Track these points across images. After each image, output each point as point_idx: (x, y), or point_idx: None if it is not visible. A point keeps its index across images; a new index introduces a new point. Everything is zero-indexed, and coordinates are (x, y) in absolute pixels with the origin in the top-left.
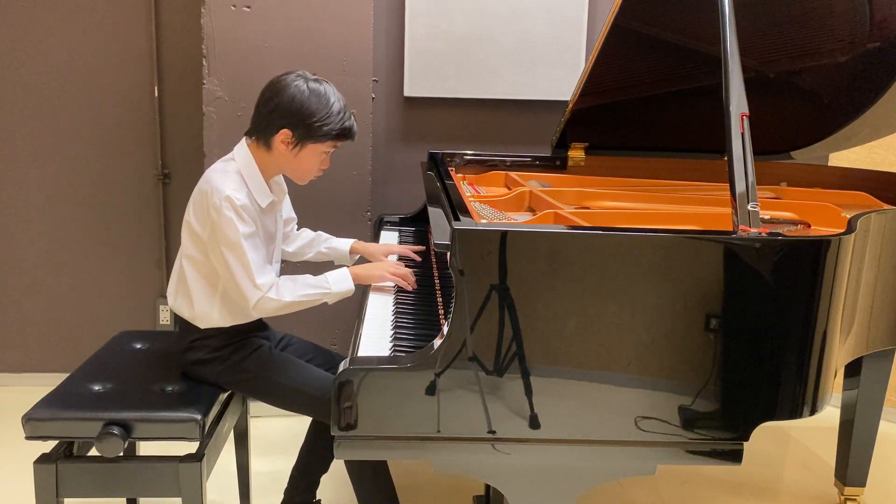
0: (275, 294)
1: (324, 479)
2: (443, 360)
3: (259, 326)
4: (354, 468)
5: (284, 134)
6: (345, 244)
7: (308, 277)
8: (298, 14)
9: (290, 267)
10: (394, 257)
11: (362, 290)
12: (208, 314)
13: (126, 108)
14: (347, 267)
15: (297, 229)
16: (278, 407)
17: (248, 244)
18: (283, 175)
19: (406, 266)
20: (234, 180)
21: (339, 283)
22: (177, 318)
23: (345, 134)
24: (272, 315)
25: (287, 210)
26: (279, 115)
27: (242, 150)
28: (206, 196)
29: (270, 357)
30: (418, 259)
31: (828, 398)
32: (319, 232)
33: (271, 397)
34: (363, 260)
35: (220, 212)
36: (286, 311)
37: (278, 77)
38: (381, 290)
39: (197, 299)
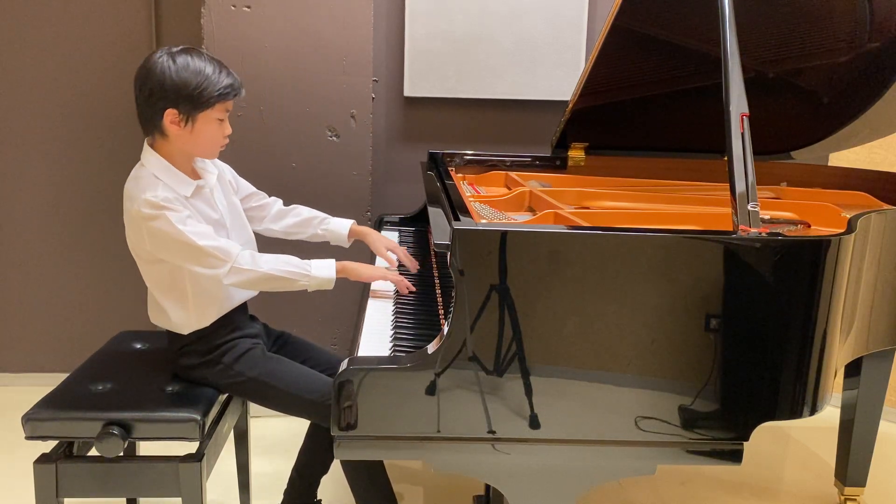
0: (249, 263)
1: (324, 479)
2: (443, 360)
3: (245, 324)
4: (351, 469)
5: (171, 114)
6: (343, 226)
7: (292, 258)
8: (298, 14)
9: (281, 247)
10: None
11: (362, 291)
12: (185, 319)
13: (126, 108)
14: (336, 261)
15: (286, 205)
16: (273, 409)
17: (187, 227)
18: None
19: (402, 269)
20: (146, 183)
21: (321, 269)
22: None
23: (229, 91)
24: (248, 287)
25: (241, 187)
26: (157, 98)
27: (146, 153)
28: (129, 210)
29: (263, 359)
30: (414, 270)
31: (828, 398)
32: (315, 212)
33: (265, 400)
34: (359, 245)
35: (144, 216)
36: (263, 286)
37: (143, 62)
38: (380, 295)
39: (171, 310)
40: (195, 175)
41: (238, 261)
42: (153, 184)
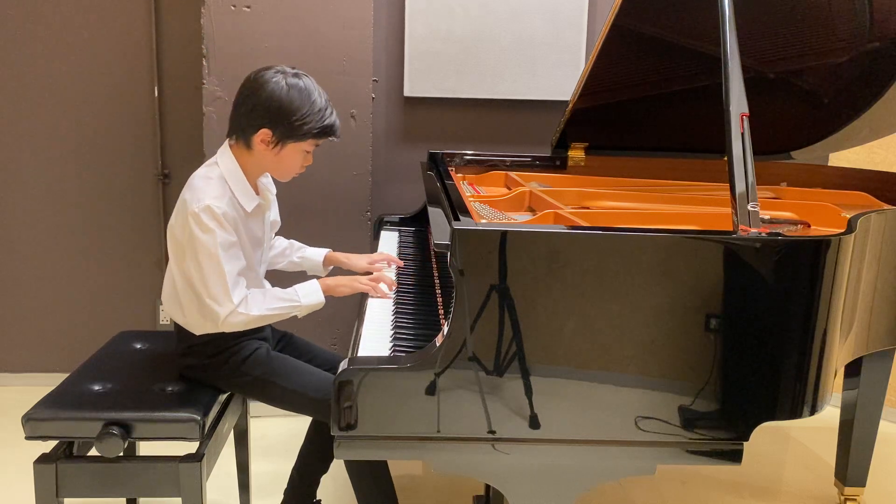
0: (244, 308)
1: (324, 479)
2: (443, 360)
3: (255, 329)
4: (354, 468)
5: (264, 133)
6: (318, 254)
7: (278, 290)
8: (298, 14)
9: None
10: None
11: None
12: (199, 322)
13: (126, 108)
14: (318, 279)
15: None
16: (277, 407)
17: (226, 255)
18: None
19: (402, 270)
20: (215, 187)
21: (308, 295)
22: (174, 322)
23: (326, 132)
24: (239, 329)
25: (274, 213)
26: (258, 115)
27: (225, 153)
28: (186, 204)
29: (268, 359)
30: (400, 264)
31: (828, 398)
32: (291, 241)
33: (270, 399)
34: (337, 270)
35: (198, 220)
36: (254, 326)
37: (256, 73)
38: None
39: (188, 307)
40: (257, 190)
41: (239, 307)
42: (222, 192)
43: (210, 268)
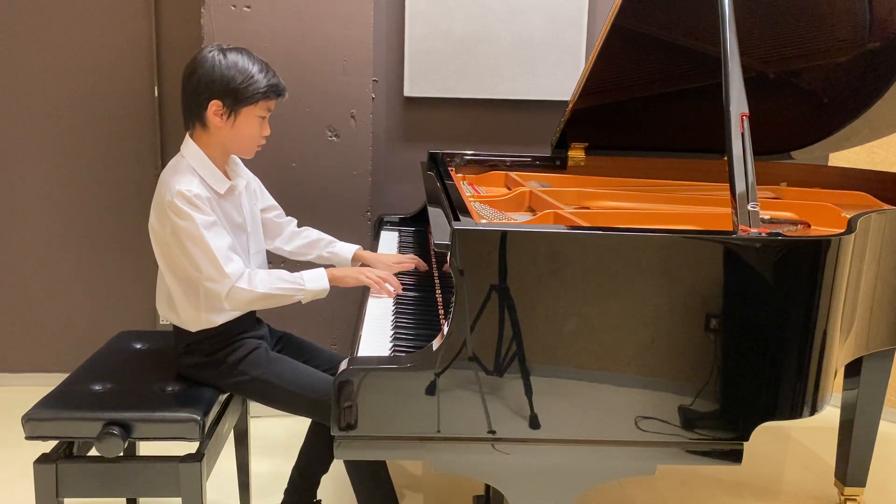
0: (246, 284)
1: (324, 479)
2: (443, 360)
3: (253, 326)
4: (354, 468)
5: (215, 105)
6: (348, 251)
7: (284, 273)
8: (298, 14)
9: (288, 265)
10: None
11: (362, 290)
12: (195, 317)
13: (126, 108)
14: (326, 268)
15: (298, 226)
16: (276, 408)
17: (210, 234)
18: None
19: (406, 275)
20: (183, 174)
21: (313, 281)
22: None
23: (274, 90)
24: (246, 308)
25: (264, 199)
26: (203, 89)
27: (187, 143)
28: (160, 197)
29: (267, 359)
30: (424, 267)
31: (828, 398)
32: (322, 234)
33: (269, 399)
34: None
35: (174, 207)
36: (260, 305)
37: (193, 56)
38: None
39: (180, 304)
40: (228, 176)
41: (239, 281)
42: (190, 177)
43: (198, 251)
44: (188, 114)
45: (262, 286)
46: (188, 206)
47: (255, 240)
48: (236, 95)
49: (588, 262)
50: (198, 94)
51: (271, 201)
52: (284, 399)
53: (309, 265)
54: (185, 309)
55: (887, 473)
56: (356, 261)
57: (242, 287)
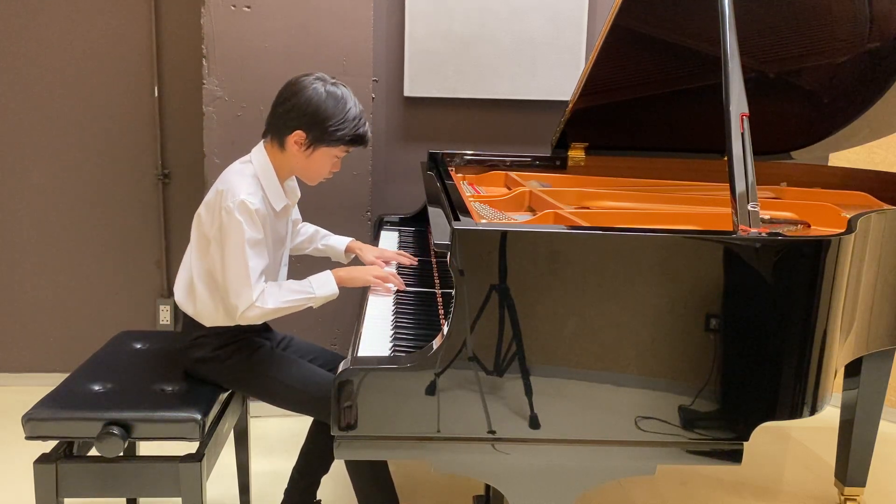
0: (261, 303)
1: (324, 479)
2: (443, 360)
3: (262, 328)
4: (354, 468)
5: (298, 135)
6: (341, 243)
7: (292, 283)
8: (298, 14)
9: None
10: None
11: (362, 290)
12: (212, 313)
13: (126, 108)
14: (331, 270)
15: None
16: (279, 406)
17: (252, 252)
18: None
19: (402, 270)
20: (250, 183)
21: (322, 287)
22: (179, 315)
23: (358, 140)
24: (256, 322)
25: (294, 212)
26: (295, 116)
27: (259, 152)
28: (220, 196)
29: (272, 356)
30: (414, 262)
31: (828, 398)
32: (318, 228)
33: (272, 397)
34: (357, 260)
35: (231, 214)
36: (269, 318)
37: (297, 78)
38: (380, 293)
39: (200, 296)
40: (286, 194)
41: (257, 301)
42: (256, 189)
43: (235, 262)
44: (272, 128)
45: (273, 301)
46: (246, 217)
47: (287, 252)
48: (322, 133)
49: (588, 262)
50: (287, 118)
51: (298, 214)
52: (288, 397)
53: (305, 258)
54: (203, 301)
55: (887, 473)
56: (349, 252)
57: (258, 305)
